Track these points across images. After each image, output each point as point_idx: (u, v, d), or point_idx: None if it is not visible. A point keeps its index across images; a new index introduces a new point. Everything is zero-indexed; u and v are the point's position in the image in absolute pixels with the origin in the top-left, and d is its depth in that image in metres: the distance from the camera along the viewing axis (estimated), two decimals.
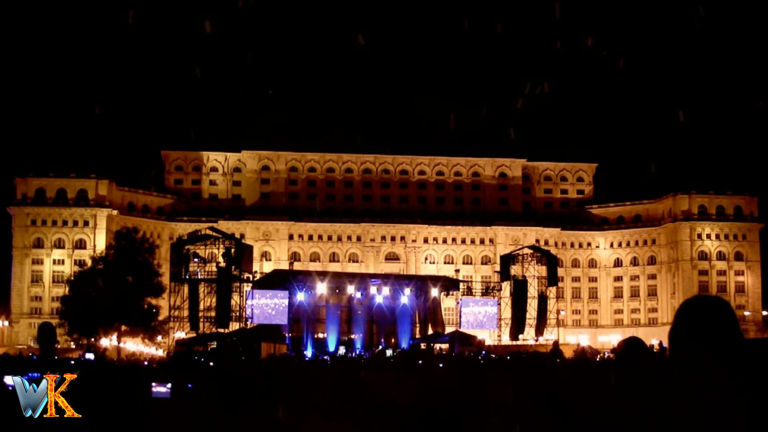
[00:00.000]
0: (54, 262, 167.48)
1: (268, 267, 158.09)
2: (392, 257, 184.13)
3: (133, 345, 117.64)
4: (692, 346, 5.44)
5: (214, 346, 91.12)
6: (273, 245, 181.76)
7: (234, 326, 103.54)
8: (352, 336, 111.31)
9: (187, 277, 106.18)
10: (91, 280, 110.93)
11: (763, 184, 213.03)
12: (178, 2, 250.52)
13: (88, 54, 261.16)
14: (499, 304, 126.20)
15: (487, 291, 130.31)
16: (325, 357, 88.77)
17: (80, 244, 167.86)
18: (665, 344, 52.36)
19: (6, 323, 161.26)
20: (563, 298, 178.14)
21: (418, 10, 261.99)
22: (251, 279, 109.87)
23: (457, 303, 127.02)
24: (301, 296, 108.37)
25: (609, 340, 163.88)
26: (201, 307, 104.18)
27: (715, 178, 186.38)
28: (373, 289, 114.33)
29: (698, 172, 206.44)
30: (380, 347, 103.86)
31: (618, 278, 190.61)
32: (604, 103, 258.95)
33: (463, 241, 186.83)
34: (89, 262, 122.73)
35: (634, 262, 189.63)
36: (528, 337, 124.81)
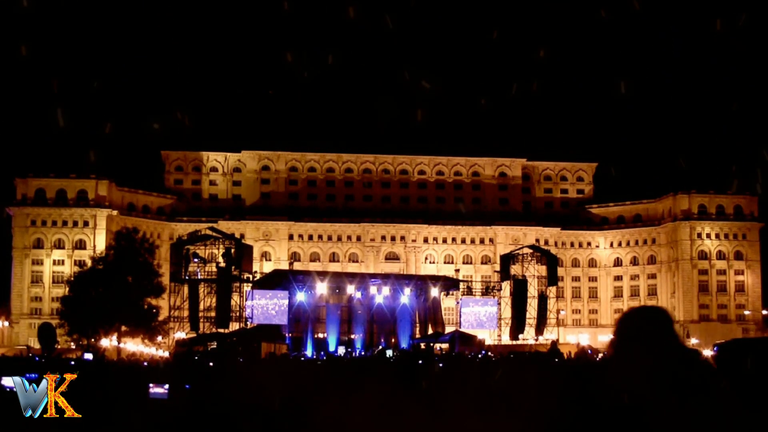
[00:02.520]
0: (54, 262, 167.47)
1: (268, 267, 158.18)
2: (392, 257, 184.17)
3: (133, 345, 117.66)
4: (632, 349, 6.46)
5: (214, 346, 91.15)
6: (273, 245, 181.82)
7: (234, 326, 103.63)
8: (352, 336, 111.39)
9: (187, 277, 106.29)
10: (92, 281, 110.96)
11: (763, 184, 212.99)
12: (177, 3, 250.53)
13: (88, 54, 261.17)
14: (499, 303, 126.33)
15: (487, 291, 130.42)
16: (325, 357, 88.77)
17: (80, 245, 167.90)
18: None
19: (6, 324, 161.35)
20: (563, 297, 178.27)
21: (417, 10, 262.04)
22: (251, 279, 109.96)
23: (457, 303, 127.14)
24: (301, 296, 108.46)
25: (609, 339, 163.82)
26: (201, 307, 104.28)
27: (715, 178, 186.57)
28: (373, 289, 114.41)
29: (698, 172, 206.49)
30: (380, 347, 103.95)
31: (618, 278, 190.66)
32: (604, 103, 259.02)
33: (463, 241, 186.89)
34: (89, 263, 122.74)
35: (634, 261, 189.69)
36: (528, 336, 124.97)
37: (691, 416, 6.16)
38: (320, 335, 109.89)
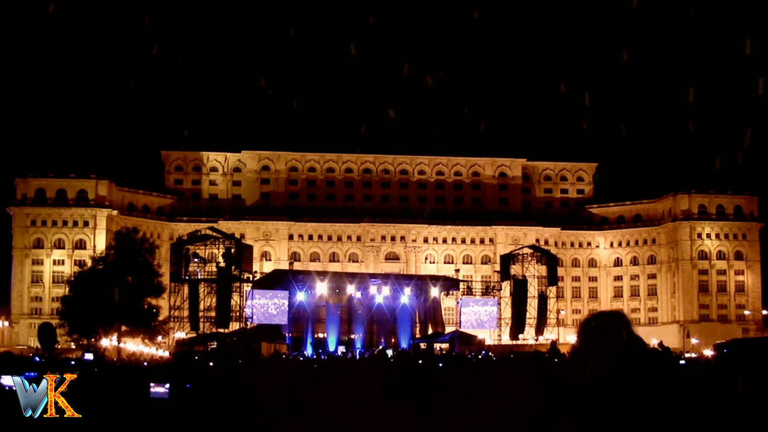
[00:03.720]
0: (54, 262, 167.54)
1: (268, 267, 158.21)
2: (392, 257, 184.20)
3: (134, 345, 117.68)
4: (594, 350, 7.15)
5: (215, 346, 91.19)
6: (273, 245, 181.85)
7: (234, 326, 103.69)
8: (352, 336, 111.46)
9: (187, 277, 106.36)
10: (92, 281, 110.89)
11: (763, 184, 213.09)
12: (176, 3, 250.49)
13: (88, 54, 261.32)
14: (499, 303, 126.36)
15: (487, 291, 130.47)
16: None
17: (80, 245, 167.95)
18: (665, 344, 52.45)
19: (6, 324, 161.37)
20: (563, 297, 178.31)
21: (416, 10, 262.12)
22: (251, 279, 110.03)
23: (457, 303, 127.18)
24: (301, 296, 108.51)
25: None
26: (201, 307, 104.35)
27: (715, 178, 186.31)
28: (373, 289, 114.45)
29: (698, 172, 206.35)
30: (380, 347, 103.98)
31: (618, 278, 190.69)
32: (604, 103, 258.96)
33: (463, 241, 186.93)
34: (89, 263, 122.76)
35: (634, 261, 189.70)
36: (528, 336, 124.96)
37: (648, 408, 6.69)
38: (320, 335, 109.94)
